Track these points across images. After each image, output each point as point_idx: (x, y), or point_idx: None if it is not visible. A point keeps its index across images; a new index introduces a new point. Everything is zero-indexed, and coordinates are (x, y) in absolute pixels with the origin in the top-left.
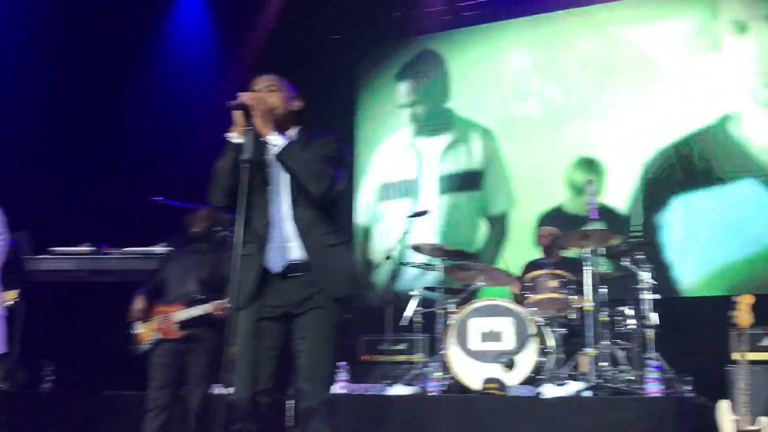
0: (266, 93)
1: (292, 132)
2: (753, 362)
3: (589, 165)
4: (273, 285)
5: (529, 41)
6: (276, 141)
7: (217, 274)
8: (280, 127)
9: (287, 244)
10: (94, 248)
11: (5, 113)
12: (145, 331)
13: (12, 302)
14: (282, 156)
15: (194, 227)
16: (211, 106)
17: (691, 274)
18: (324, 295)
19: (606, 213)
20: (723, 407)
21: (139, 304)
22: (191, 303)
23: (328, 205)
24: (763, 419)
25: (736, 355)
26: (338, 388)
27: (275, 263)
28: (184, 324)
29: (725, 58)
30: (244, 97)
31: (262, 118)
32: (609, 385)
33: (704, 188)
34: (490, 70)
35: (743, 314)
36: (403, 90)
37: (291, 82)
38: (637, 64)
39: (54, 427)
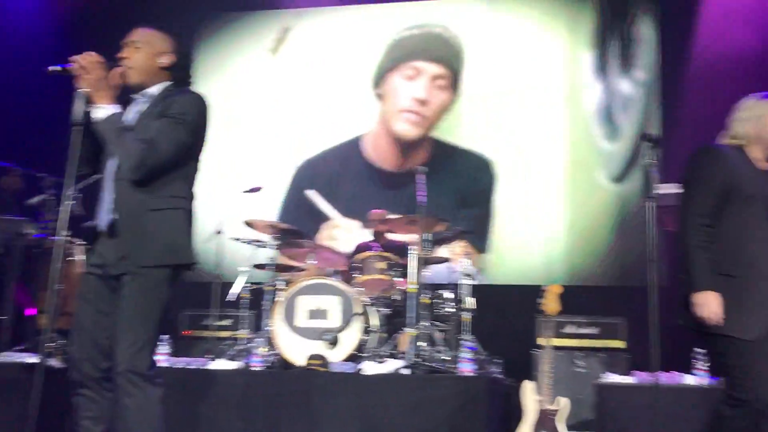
0: (132, 50)
1: (155, 89)
2: (557, 347)
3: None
4: (100, 242)
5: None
6: (98, 112)
7: None
8: (147, 83)
9: (111, 204)
10: None
11: None
12: None
13: None
14: (99, 128)
15: None
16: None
17: (507, 262)
18: (133, 261)
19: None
20: (528, 388)
21: None
22: None
23: (162, 169)
24: (562, 399)
25: (541, 341)
26: (159, 361)
27: (102, 220)
28: None
29: None
30: (72, 62)
31: (90, 85)
32: (426, 363)
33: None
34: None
35: (550, 303)
36: None
37: (169, 34)
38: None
39: None
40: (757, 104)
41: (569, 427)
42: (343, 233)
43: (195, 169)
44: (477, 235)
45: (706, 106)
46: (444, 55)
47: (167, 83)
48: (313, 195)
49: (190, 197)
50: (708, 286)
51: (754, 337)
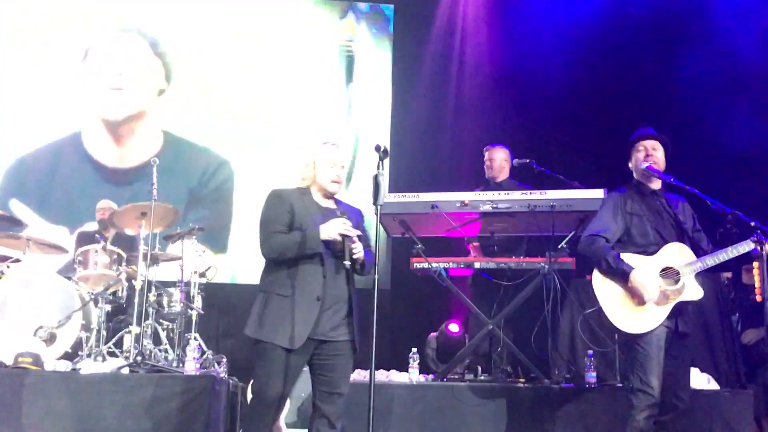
0: None
1: None
2: None
3: None
4: None
5: None
6: None
7: None
8: None
9: None
10: None
11: None
12: None
13: None
14: None
15: None
16: None
17: (241, 262)
18: None
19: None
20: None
21: None
22: None
23: None
24: None
25: None
26: None
27: None
28: None
29: None
30: None
31: None
32: (149, 362)
33: None
34: None
35: None
36: None
37: None
38: None
39: None
40: (314, 149)
41: (289, 425)
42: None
43: None
44: (214, 234)
45: (432, 119)
46: (132, 25)
47: None
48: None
49: None
50: None
51: (296, 345)
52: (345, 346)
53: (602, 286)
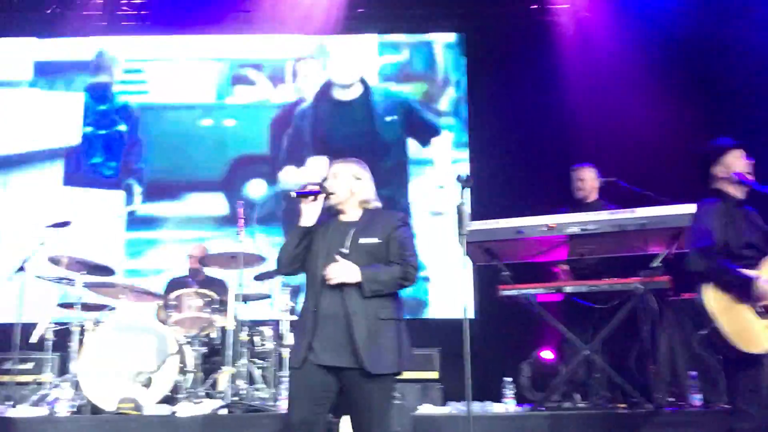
0: None
1: None
2: None
3: None
4: None
5: None
6: None
7: None
8: None
9: None
10: None
11: None
12: None
13: None
14: None
15: None
16: None
17: None
18: None
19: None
20: (346, 422)
21: None
22: None
23: None
24: None
25: None
26: None
27: None
28: None
29: None
30: None
31: None
32: (244, 402)
33: None
34: None
35: None
36: None
37: None
38: None
39: None
40: (336, 165)
41: None
42: None
43: None
44: None
45: (511, 141)
46: None
47: None
48: None
49: None
50: None
51: (297, 365)
52: (353, 375)
53: (718, 302)
